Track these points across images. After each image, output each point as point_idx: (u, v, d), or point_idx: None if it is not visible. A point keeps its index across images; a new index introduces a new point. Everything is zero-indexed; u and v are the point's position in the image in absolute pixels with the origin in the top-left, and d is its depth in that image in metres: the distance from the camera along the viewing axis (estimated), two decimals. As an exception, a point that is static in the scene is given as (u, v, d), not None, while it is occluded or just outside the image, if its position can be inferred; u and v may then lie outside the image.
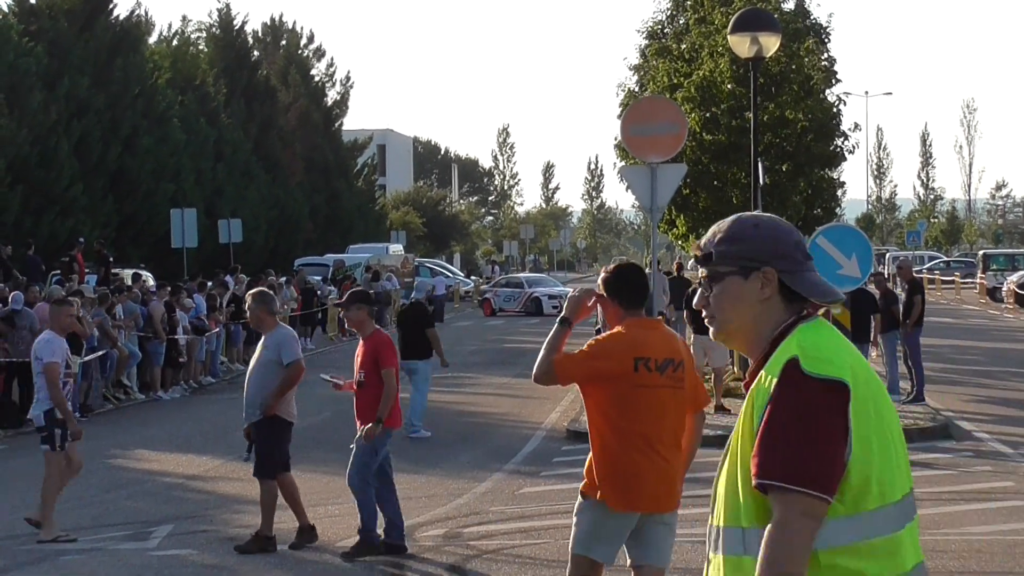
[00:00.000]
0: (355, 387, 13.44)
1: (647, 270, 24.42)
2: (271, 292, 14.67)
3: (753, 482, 3.87)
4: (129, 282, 32.99)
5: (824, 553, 3.85)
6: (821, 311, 4.18)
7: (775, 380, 3.94)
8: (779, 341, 4.04)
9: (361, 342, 13.55)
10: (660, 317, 24.27)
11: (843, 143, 26.44)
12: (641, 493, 7.56)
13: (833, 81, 27.21)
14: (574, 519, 7.81)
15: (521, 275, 67.23)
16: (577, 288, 8.00)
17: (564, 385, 7.64)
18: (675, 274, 29.11)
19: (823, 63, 26.65)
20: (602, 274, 7.89)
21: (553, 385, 7.75)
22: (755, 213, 4.24)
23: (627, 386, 7.56)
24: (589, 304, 7.77)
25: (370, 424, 13.17)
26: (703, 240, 4.16)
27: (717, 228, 4.18)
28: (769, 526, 3.83)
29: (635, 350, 7.54)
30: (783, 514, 3.82)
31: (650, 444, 7.58)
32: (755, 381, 4.03)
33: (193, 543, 14.14)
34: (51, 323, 14.61)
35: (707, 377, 23.61)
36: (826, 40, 28.46)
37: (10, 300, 25.48)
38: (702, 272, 4.07)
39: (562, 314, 7.74)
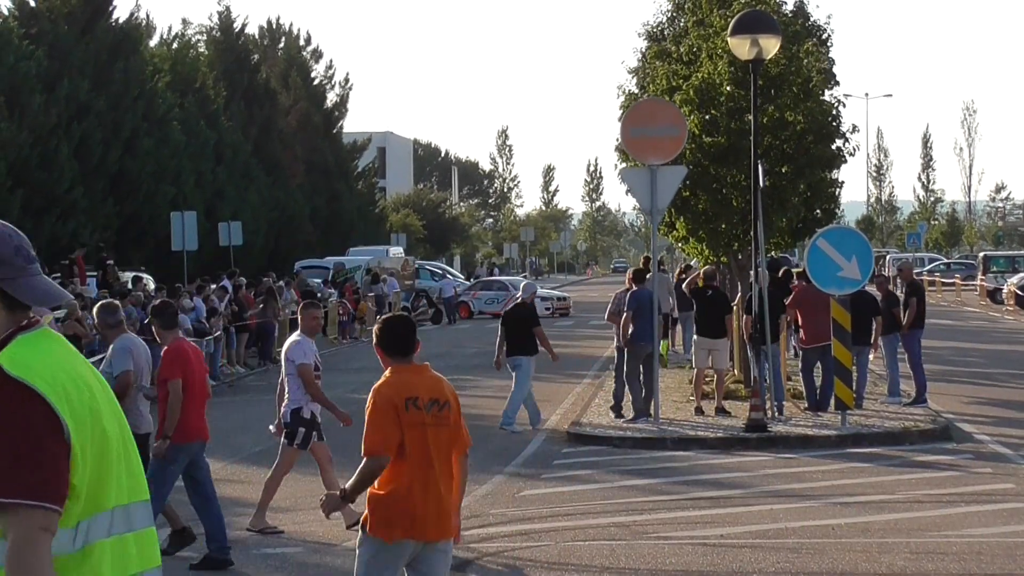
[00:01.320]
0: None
1: (648, 274, 24.51)
2: (115, 303, 14.57)
3: None
4: (130, 285, 32.96)
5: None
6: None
7: None
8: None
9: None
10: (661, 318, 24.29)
11: (843, 145, 26.39)
12: (416, 524, 8.10)
13: (832, 83, 27.15)
14: (357, 551, 8.34)
15: (502, 278, 67.14)
16: (322, 496, 8.71)
17: (392, 454, 8.07)
18: (681, 276, 29.01)
19: (823, 64, 26.59)
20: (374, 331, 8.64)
21: (387, 457, 8.10)
22: None
23: (404, 425, 8.12)
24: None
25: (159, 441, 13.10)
26: None
27: None
28: (10, 544, 3.77)
29: (405, 391, 8.19)
30: (25, 531, 3.75)
31: (424, 478, 8.13)
32: None
33: (193, 546, 14.12)
34: (300, 325, 14.93)
35: (710, 379, 23.62)
36: (826, 42, 28.41)
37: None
38: None
39: (348, 491, 8.31)
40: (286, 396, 14.85)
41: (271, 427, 15.27)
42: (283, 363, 14.94)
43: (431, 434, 8.17)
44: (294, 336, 14.96)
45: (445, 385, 8.41)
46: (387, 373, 8.36)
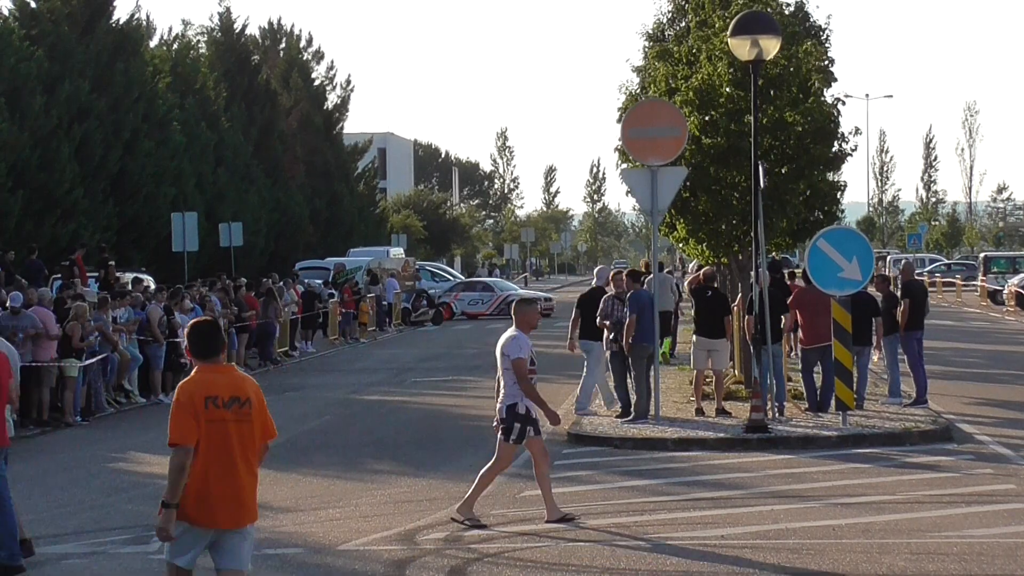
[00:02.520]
0: None
1: (649, 275, 24.52)
2: None
3: None
4: (130, 286, 32.93)
5: None
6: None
7: None
8: None
9: None
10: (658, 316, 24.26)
11: (843, 145, 26.40)
12: (218, 510, 9.01)
13: (831, 83, 27.15)
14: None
15: (485, 278, 67.11)
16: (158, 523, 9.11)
17: (192, 446, 8.96)
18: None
19: (821, 64, 26.58)
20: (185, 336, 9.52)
21: (189, 448, 8.97)
22: None
23: (202, 420, 9.00)
24: None
25: None
26: None
27: None
28: None
29: (205, 390, 9.06)
30: None
31: (222, 470, 9.02)
32: None
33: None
34: (517, 321, 14.93)
35: (709, 379, 23.61)
36: (825, 42, 28.40)
37: (8, 300, 25.46)
38: None
39: (168, 500, 8.99)
40: (501, 391, 14.82)
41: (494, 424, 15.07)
42: (499, 359, 14.85)
43: (233, 429, 9.06)
44: (510, 331, 14.90)
45: (248, 384, 9.25)
46: (193, 372, 9.22)
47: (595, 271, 26.59)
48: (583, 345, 23.77)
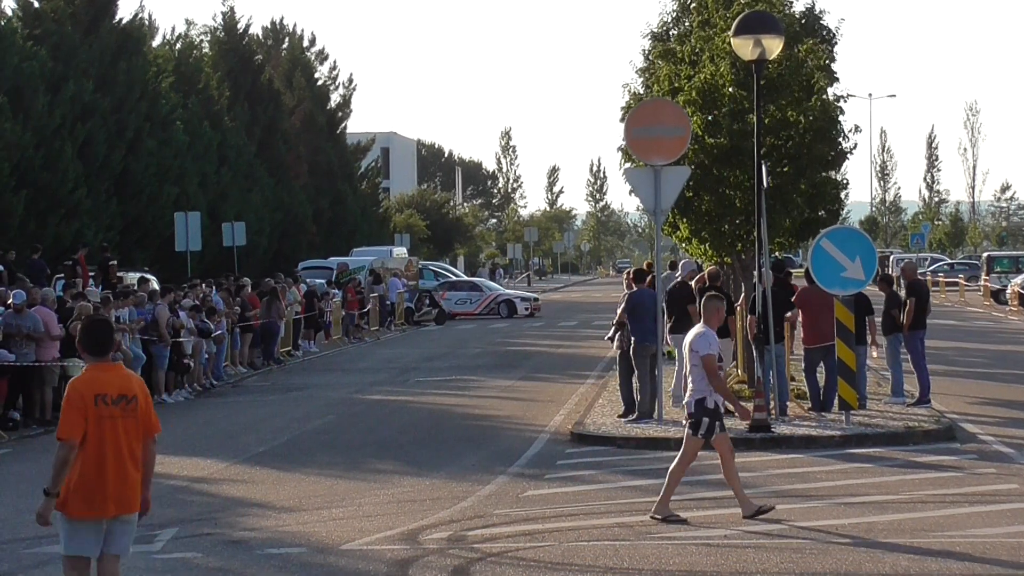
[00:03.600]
0: None
1: (650, 275, 24.48)
2: None
3: None
4: (135, 286, 32.93)
5: None
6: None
7: None
8: None
9: None
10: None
11: (843, 143, 26.38)
12: (108, 501, 9.61)
13: (832, 80, 27.12)
14: (60, 530, 9.76)
15: (473, 278, 67.25)
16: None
17: (79, 441, 9.51)
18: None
19: (822, 61, 26.54)
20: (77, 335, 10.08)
21: (74, 442, 9.53)
22: None
23: (92, 417, 9.56)
24: None
25: None
26: None
27: None
28: None
29: (95, 388, 9.63)
30: None
31: (110, 463, 9.60)
32: None
33: (198, 546, 14.15)
34: (704, 318, 15.03)
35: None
36: (830, 41, 28.34)
37: (11, 297, 25.45)
38: None
39: (50, 489, 9.61)
40: (690, 386, 14.83)
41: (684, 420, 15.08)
42: (687, 354, 14.90)
43: (120, 425, 9.65)
44: (698, 328, 14.97)
45: (135, 381, 9.85)
46: (84, 370, 9.80)
47: (680, 264, 26.58)
48: (674, 339, 23.37)
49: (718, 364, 15.15)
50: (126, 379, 9.86)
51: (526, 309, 57.86)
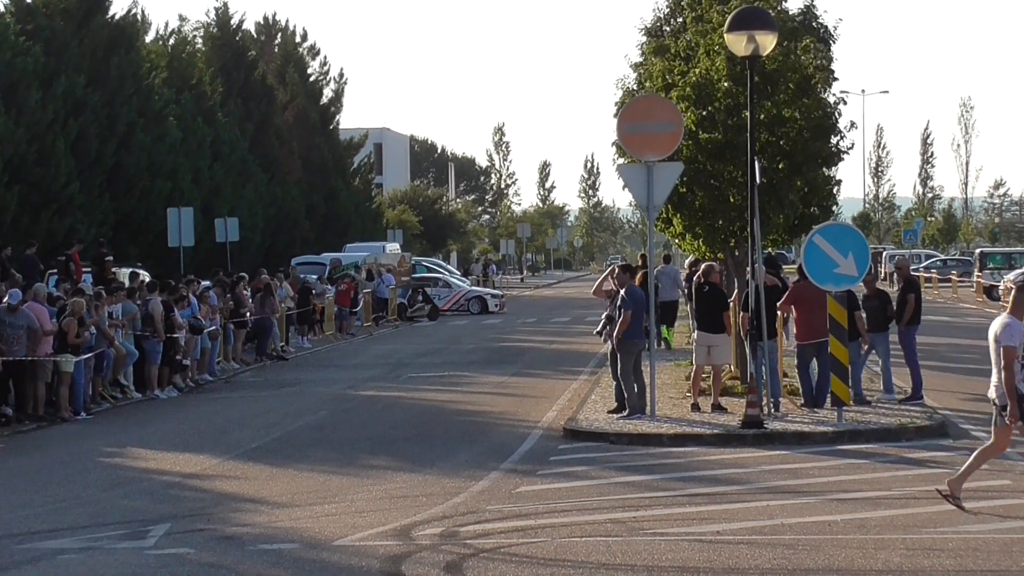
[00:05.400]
0: None
1: (643, 269, 24.47)
2: None
3: None
4: (127, 281, 32.90)
5: None
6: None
7: None
8: None
9: None
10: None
11: (839, 141, 26.35)
12: None
13: (830, 80, 27.08)
14: None
15: (446, 276, 67.31)
16: None
17: None
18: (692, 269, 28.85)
19: (821, 61, 26.51)
20: None
21: None
22: None
23: None
24: None
25: None
26: None
27: None
28: None
29: None
30: None
31: None
32: None
33: (191, 542, 14.14)
34: (1012, 307, 14.70)
35: (707, 375, 23.61)
36: (827, 40, 28.28)
37: (7, 296, 25.42)
38: None
39: None
40: (993, 375, 14.71)
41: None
42: (991, 344, 14.68)
43: None
44: (1002, 318, 14.71)
45: None
46: None
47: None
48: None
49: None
50: None
51: (496, 305, 60.15)
